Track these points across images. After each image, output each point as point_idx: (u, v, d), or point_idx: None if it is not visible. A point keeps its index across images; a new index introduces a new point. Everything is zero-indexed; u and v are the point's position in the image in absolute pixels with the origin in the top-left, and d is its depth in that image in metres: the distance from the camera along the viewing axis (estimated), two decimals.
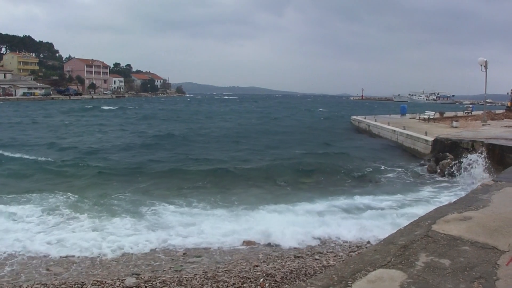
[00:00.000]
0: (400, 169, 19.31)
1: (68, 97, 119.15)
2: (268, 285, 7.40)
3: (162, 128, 37.43)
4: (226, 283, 7.37)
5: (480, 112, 44.51)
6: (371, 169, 19.26)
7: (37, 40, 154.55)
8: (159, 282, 7.52)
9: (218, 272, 8.02)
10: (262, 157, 22.05)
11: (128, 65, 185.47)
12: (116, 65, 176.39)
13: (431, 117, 37.45)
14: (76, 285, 7.39)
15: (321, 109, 71.42)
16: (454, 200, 7.86)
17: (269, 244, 9.97)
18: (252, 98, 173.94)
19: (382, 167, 19.72)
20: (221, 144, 27.81)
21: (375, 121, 36.01)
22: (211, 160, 21.09)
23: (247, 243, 9.99)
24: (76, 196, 13.60)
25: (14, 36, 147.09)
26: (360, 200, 13.79)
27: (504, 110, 47.97)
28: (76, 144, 26.74)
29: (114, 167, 18.81)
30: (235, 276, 7.69)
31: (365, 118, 40.53)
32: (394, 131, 28.99)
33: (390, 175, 18.25)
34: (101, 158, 21.21)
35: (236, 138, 30.64)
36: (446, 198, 13.64)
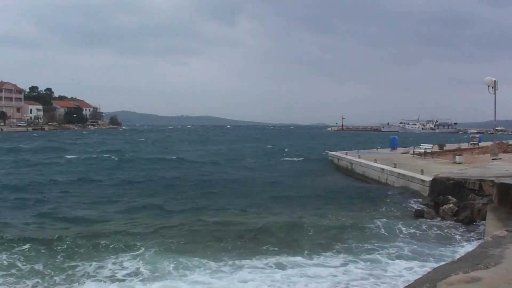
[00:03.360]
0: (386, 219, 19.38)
1: None
2: None
3: None
4: None
5: (489, 143, 45.87)
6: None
7: None
8: None
9: None
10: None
11: (48, 90, 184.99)
12: (33, 89, 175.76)
13: (429, 151, 38.20)
14: None
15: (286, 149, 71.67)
16: (459, 256, 7.84)
17: None
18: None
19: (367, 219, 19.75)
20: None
21: (359, 157, 36.49)
22: None
23: None
24: None
25: None
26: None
27: None
28: None
29: None
30: None
31: (346, 154, 41.00)
32: (383, 169, 29.37)
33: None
34: None
35: None
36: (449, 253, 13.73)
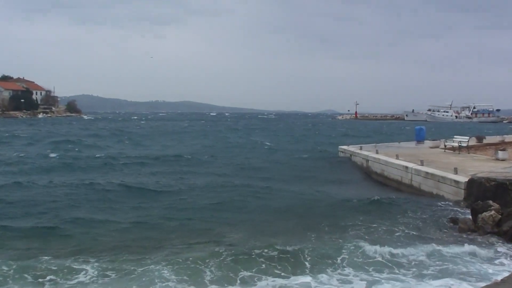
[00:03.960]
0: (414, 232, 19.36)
1: None
2: None
3: None
4: None
5: None
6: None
7: None
8: None
9: None
10: None
11: None
12: None
13: (464, 144, 38.18)
14: None
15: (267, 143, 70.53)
16: (503, 277, 7.81)
17: None
18: None
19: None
20: None
21: (377, 153, 36.41)
22: None
23: None
24: None
25: None
26: None
27: None
28: None
29: None
30: None
31: (360, 148, 40.91)
32: (407, 168, 29.33)
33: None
34: None
35: None
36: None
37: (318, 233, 19.32)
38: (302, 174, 36.87)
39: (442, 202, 23.13)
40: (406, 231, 18.99)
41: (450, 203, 22.86)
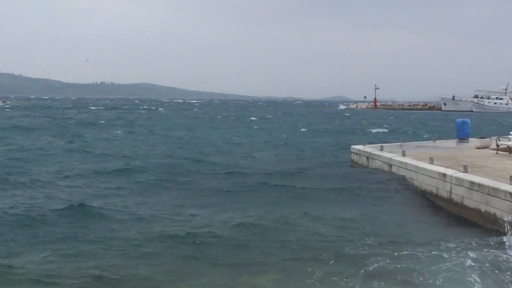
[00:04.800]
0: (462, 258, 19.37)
1: None
2: None
3: None
4: None
5: None
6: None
7: None
8: None
9: None
10: None
11: None
12: None
13: None
14: None
15: None
16: None
17: None
18: None
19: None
20: None
21: (403, 155, 36.34)
22: None
23: None
24: None
25: None
26: None
27: None
28: None
29: None
30: None
31: (381, 149, 40.82)
32: (445, 176, 29.24)
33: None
34: None
35: None
36: None
37: (323, 271, 19.29)
38: (297, 191, 35.74)
39: (493, 223, 23.16)
40: (447, 276, 18.90)
41: (506, 224, 22.89)
